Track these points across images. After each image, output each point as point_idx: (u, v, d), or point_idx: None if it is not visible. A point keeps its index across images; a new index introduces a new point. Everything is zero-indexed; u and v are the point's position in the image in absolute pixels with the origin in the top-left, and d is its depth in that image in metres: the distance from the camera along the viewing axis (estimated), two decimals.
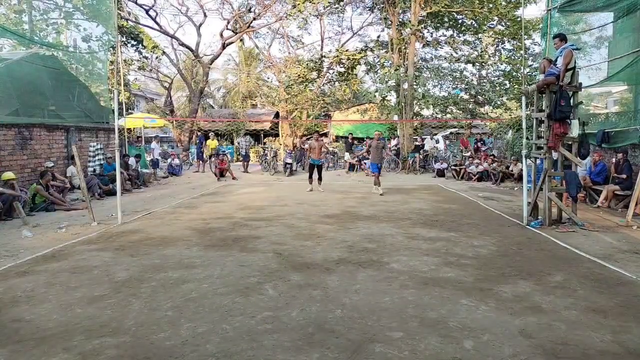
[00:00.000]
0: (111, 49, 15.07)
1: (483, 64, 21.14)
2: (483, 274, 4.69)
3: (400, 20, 19.53)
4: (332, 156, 19.19)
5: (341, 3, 22.06)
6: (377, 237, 6.41)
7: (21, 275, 4.79)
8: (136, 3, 22.13)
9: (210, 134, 19.14)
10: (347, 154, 18.76)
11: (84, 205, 9.22)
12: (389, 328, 3.39)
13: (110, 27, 13.34)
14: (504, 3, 18.16)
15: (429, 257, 5.33)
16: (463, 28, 20.27)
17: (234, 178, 15.14)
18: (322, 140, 12.28)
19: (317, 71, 22.58)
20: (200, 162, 18.47)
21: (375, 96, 20.67)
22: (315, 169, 11.72)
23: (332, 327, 3.41)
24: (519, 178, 11.36)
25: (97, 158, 12.75)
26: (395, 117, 19.89)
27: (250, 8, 23.62)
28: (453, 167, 15.70)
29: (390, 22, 19.65)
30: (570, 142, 7.42)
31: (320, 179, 11.61)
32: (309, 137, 26.33)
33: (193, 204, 9.88)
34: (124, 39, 20.19)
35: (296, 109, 24.32)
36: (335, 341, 3.18)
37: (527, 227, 7.13)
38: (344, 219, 7.78)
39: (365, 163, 17.32)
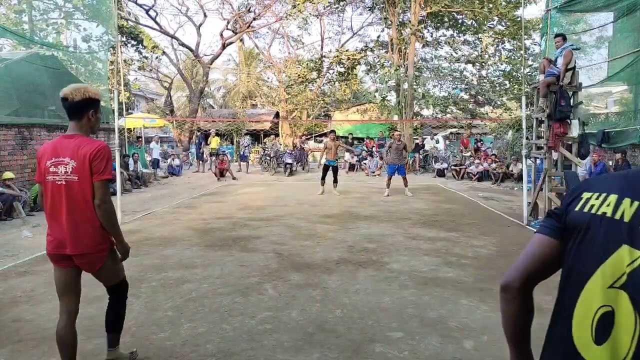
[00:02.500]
0: (111, 49, 15.07)
1: (483, 64, 21.14)
2: (483, 274, 4.69)
3: (400, 20, 19.54)
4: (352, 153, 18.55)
5: (341, 3, 22.06)
6: (377, 237, 6.41)
7: (21, 275, 4.79)
8: (136, 3, 22.15)
9: (211, 131, 19.17)
10: (347, 154, 18.75)
11: None
12: (389, 328, 3.39)
13: (110, 27, 13.34)
14: (504, 3, 18.16)
15: (429, 257, 5.33)
16: (463, 28, 20.27)
17: (234, 178, 15.14)
18: (339, 140, 11.49)
19: (317, 71, 22.59)
20: (200, 162, 18.48)
21: (375, 96, 20.66)
22: (331, 170, 11.01)
23: (332, 327, 3.41)
24: (519, 178, 11.37)
25: None
26: (395, 117, 19.89)
27: (250, 8, 23.63)
28: (453, 167, 15.71)
29: (390, 22, 19.65)
30: (570, 142, 7.42)
31: (335, 181, 11.03)
32: (308, 136, 26.36)
33: (193, 204, 9.88)
34: (124, 39, 20.20)
35: (296, 109, 24.34)
36: (335, 341, 3.18)
37: (527, 227, 7.13)
38: (344, 219, 7.78)
39: (365, 163, 17.32)
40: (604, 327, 0.84)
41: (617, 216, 0.86)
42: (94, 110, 2.49)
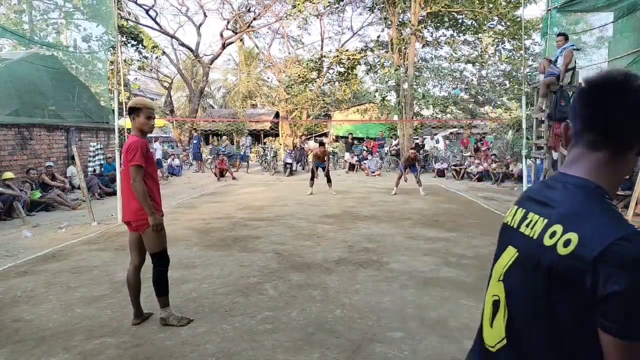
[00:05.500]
0: (111, 49, 15.06)
1: (483, 64, 21.14)
2: (483, 274, 4.69)
3: (400, 20, 19.53)
4: (331, 156, 19.11)
5: (341, 3, 22.06)
6: (377, 237, 6.41)
7: (21, 275, 4.79)
8: (136, 3, 22.15)
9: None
10: (347, 154, 18.75)
11: (75, 205, 9.24)
12: (389, 328, 3.39)
13: (110, 27, 13.31)
14: (504, 3, 18.15)
15: (429, 257, 5.33)
16: (463, 28, 20.26)
17: (234, 178, 15.15)
18: (327, 150, 11.92)
19: (317, 71, 22.57)
20: (200, 162, 18.48)
21: (375, 96, 20.65)
22: (321, 171, 11.30)
23: (332, 327, 3.41)
24: (519, 178, 11.36)
25: (97, 158, 12.75)
26: (395, 117, 19.89)
27: (250, 8, 23.63)
28: (453, 167, 15.71)
29: (390, 22, 19.64)
30: None
31: (329, 180, 11.13)
32: (309, 136, 26.34)
33: (193, 204, 9.88)
34: (124, 39, 20.17)
35: (296, 109, 24.34)
36: (335, 341, 3.18)
37: None
38: (344, 219, 7.78)
39: (364, 163, 17.33)
40: (494, 312, 1.04)
41: (511, 223, 1.07)
42: (135, 115, 3.34)
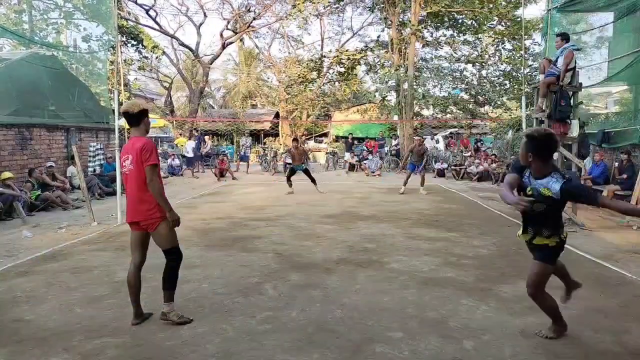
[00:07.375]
0: (111, 48, 15.06)
1: (483, 64, 21.14)
2: (483, 274, 4.69)
3: (400, 20, 19.54)
4: (332, 156, 19.10)
5: (341, 3, 22.07)
6: (377, 237, 6.41)
7: (21, 275, 4.79)
8: (136, 3, 22.14)
9: (177, 134, 19.37)
10: (347, 154, 18.74)
11: (76, 205, 9.21)
12: (389, 328, 3.39)
13: (110, 27, 13.33)
14: (504, 3, 18.18)
15: (429, 257, 5.32)
16: (463, 28, 20.27)
17: (233, 178, 15.15)
18: (302, 147, 11.77)
19: (317, 71, 22.58)
20: (199, 162, 18.46)
21: (375, 96, 20.67)
22: (303, 174, 11.30)
23: (332, 327, 3.40)
24: None
25: (97, 158, 12.75)
26: (395, 117, 19.90)
27: (250, 8, 23.64)
28: (453, 167, 15.71)
29: (390, 22, 19.65)
30: (570, 142, 7.41)
31: (312, 180, 11.10)
32: (309, 136, 26.36)
33: (193, 204, 9.88)
34: (124, 39, 20.16)
35: (296, 109, 24.35)
36: (335, 341, 3.18)
37: None
38: (344, 219, 7.77)
39: (365, 163, 17.33)
40: None
41: None
42: (145, 117, 3.44)
